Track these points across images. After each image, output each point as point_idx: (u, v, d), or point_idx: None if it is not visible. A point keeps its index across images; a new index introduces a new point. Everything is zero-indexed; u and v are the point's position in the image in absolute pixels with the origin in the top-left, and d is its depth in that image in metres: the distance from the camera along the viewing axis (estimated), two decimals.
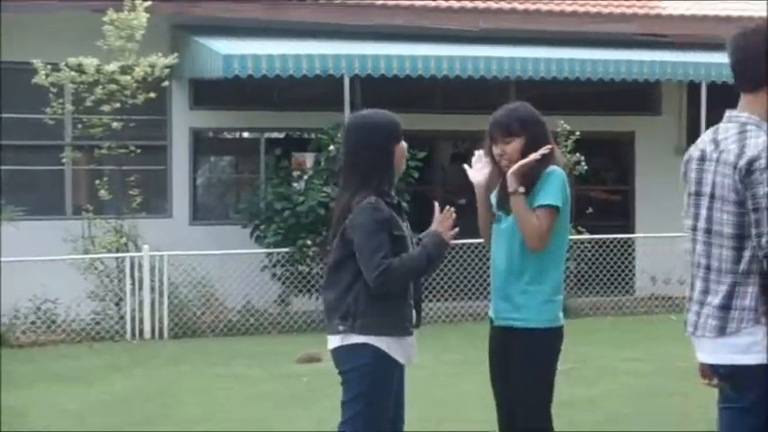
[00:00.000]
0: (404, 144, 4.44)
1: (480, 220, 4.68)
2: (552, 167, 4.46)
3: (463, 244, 12.92)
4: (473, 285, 12.81)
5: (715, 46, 15.10)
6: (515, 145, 4.48)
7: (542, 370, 4.48)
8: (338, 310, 4.29)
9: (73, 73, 12.17)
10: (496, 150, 4.53)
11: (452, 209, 4.39)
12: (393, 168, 4.39)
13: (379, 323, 4.24)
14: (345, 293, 4.28)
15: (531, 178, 4.44)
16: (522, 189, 4.40)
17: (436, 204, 4.51)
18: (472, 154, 4.72)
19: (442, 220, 4.38)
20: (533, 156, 4.43)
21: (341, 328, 4.28)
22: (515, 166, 4.42)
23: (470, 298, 12.79)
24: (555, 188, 4.41)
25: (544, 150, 4.45)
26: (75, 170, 13.42)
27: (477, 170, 4.62)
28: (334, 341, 4.33)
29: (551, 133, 4.63)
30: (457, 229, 4.38)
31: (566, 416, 6.85)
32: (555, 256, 4.50)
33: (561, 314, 4.54)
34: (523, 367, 4.47)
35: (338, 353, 4.33)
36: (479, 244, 12.40)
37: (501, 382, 4.59)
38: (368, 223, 4.21)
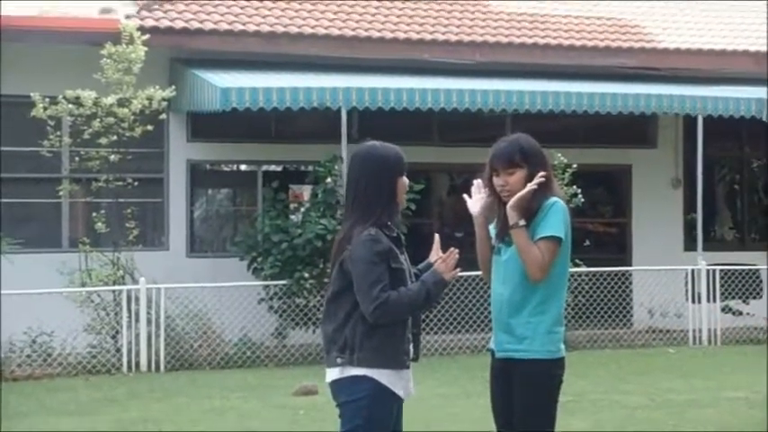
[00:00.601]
0: (405, 179, 4.45)
1: (479, 251, 4.67)
2: (553, 199, 4.47)
3: (460, 277, 12.92)
4: (470, 318, 12.79)
5: (711, 80, 15.22)
6: (518, 176, 4.47)
7: (544, 401, 4.46)
8: (336, 343, 4.28)
9: (71, 106, 12.20)
10: (498, 182, 4.51)
11: (456, 250, 4.38)
12: (395, 201, 4.39)
13: (377, 356, 4.23)
14: (343, 325, 4.27)
15: (531, 210, 4.44)
16: (522, 222, 4.40)
17: (437, 237, 4.51)
18: (471, 185, 4.72)
19: (445, 259, 4.36)
20: (530, 186, 4.44)
21: (339, 360, 4.27)
22: (514, 199, 4.43)
23: (468, 331, 12.77)
24: (557, 219, 4.42)
25: (539, 179, 4.45)
26: (72, 203, 13.43)
27: (476, 201, 4.62)
28: (332, 374, 4.32)
29: (551, 165, 4.64)
30: (459, 270, 4.37)
31: None
32: (556, 288, 4.49)
33: (563, 345, 4.52)
34: (525, 398, 4.45)
35: (337, 385, 4.32)
36: (477, 277, 12.40)
37: (502, 414, 4.58)
38: (367, 255, 4.21)
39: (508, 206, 4.44)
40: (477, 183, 4.62)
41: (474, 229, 4.61)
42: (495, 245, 4.60)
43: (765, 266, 14.95)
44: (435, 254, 4.49)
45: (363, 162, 4.41)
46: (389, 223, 4.33)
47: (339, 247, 4.33)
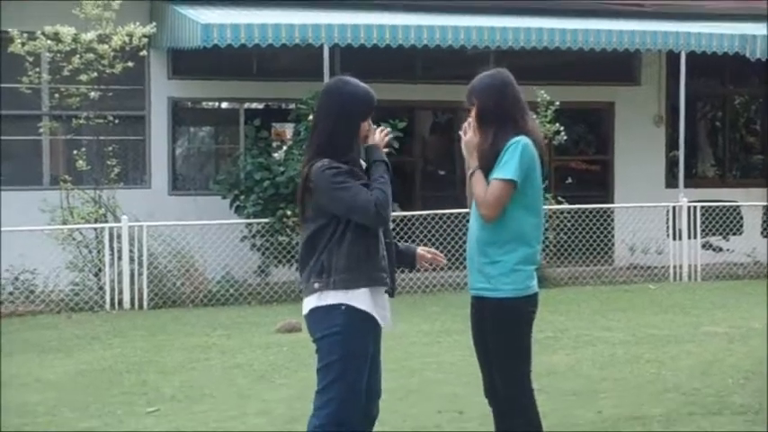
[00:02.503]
0: (369, 123, 4.43)
1: (468, 187, 4.67)
2: (516, 138, 4.44)
3: (441, 214, 12.95)
4: (451, 255, 12.80)
5: (694, 16, 15.15)
6: (473, 113, 4.54)
7: (515, 337, 4.51)
8: (314, 270, 4.30)
9: (49, 42, 12.06)
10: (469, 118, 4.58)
11: (386, 129, 4.52)
12: (355, 143, 4.37)
13: (352, 276, 4.25)
14: (321, 253, 4.29)
15: (494, 149, 4.44)
16: (471, 170, 4.47)
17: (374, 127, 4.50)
18: (452, 124, 4.73)
19: (377, 133, 4.45)
20: (468, 127, 4.50)
21: (317, 285, 4.28)
22: (462, 146, 4.52)
23: (449, 268, 12.76)
24: (510, 160, 4.40)
25: (467, 122, 4.51)
26: (52, 140, 13.34)
27: (470, 137, 4.61)
28: (309, 302, 4.33)
29: (518, 102, 4.55)
30: (388, 132, 4.51)
31: (546, 383, 6.92)
32: (523, 226, 4.48)
33: (533, 282, 4.52)
34: (496, 336, 4.51)
35: (313, 316, 4.32)
36: (456, 214, 12.44)
37: (480, 351, 4.63)
38: (334, 181, 4.22)
39: (464, 151, 4.52)
40: (469, 120, 4.61)
41: (462, 167, 4.62)
42: None
43: (745, 203, 15.04)
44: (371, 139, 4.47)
45: (329, 97, 4.40)
46: (346, 162, 4.30)
47: (304, 186, 4.33)
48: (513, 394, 4.51)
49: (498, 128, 4.46)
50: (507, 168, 4.40)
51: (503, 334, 4.48)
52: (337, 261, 4.25)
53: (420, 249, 4.72)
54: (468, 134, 4.54)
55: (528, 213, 4.50)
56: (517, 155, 4.40)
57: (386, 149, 4.45)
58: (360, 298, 4.26)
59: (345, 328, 4.24)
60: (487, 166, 4.46)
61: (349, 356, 4.24)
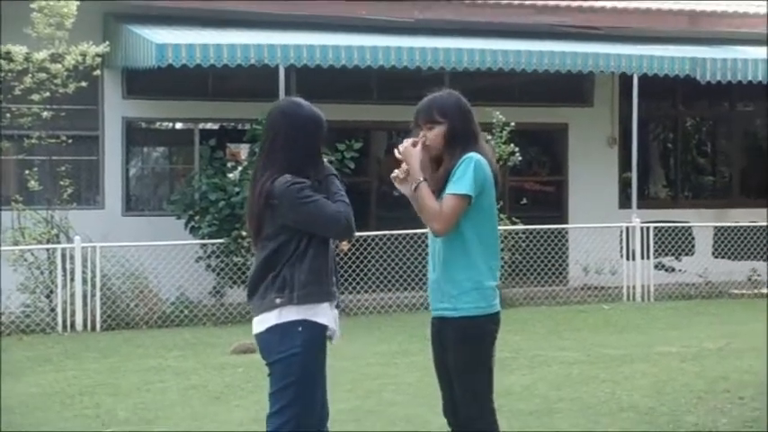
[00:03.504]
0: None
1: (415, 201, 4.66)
2: (468, 155, 4.45)
3: (397, 235, 12.96)
4: (408, 276, 12.84)
5: (646, 38, 15.35)
6: (437, 131, 4.51)
7: (478, 357, 4.48)
8: (274, 285, 4.24)
9: (1, 61, 11.94)
10: (420, 136, 4.55)
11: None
12: (318, 162, 4.37)
13: (313, 291, 4.23)
14: (281, 270, 4.25)
15: (446, 168, 4.45)
16: (415, 184, 4.44)
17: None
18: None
19: None
20: (403, 146, 4.49)
21: (278, 300, 4.23)
22: (401, 170, 4.49)
23: (405, 289, 12.82)
24: (462, 175, 4.40)
25: (420, 139, 4.49)
26: (4, 160, 13.18)
27: (411, 148, 4.60)
28: (268, 318, 4.25)
29: (476, 123, 4.60)
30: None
31: (503, 403, 6.91)
32: (480, 243, 4.47)
33: (495, 300, 4.52)
34: (460, 356, 4.48)
35: (269, 336, 4.25)
36: (412, 235, 12.44)
37: (442, 370, 4.60)
38: (299, 196, 4.21)
39: (407, 160, 4.49)
40: (407, 141, 4.58)
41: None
42: None
43: (697, 224, 15.22)
44: None
45: (287, 118, 4.37)
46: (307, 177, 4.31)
47: (265, 202, 4.27)
48: (476, 414, 4.48)
49: (463, 149, 4.47)
50: (462, 183, 4.40)
51: (466, 353, 4.46)
52: (299, 276, 4.22)
53: None
54: (407, 143, 4.52)
55: (486, 229, 4.51)
56: (471, 170, 4.40)
57: None
58: (321, 313, 4.24)
59: (304, 349, 4.20)
60: (440, 185, 4.46)
61: (305, 378, 4.20)
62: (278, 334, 4.22)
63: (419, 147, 4.52)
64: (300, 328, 4.21)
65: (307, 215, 4.21)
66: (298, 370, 4.19)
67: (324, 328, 4.25)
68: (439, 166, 4.54)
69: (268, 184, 4.27)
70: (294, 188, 4.21)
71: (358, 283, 12.63)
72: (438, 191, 4.46)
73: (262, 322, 4.27)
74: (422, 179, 4.46)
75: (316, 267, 4.24)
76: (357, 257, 12.58)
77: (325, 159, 4.47)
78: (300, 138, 4.32)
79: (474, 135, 4.54)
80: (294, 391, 4.19)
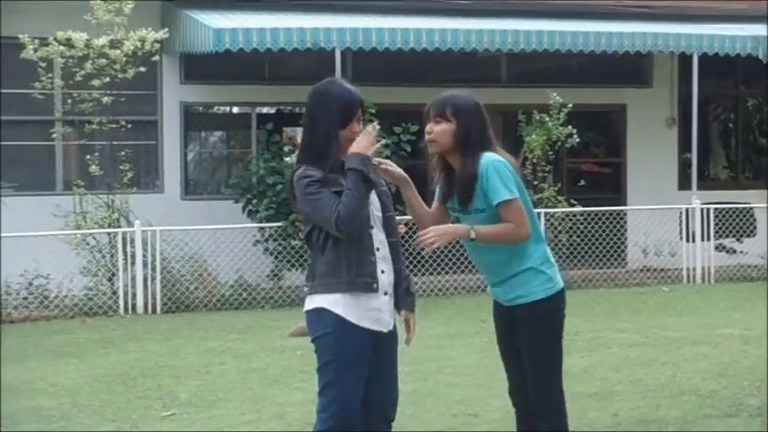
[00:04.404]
0: (357, 126, 4.29)
1: (417, 216, 4.61)
2: (483, 161, 4.37)
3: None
4: (463, 258, 12.81)
5: (705, 17, 15.12)
6: (444, 128, 4.44)
7: (549, 337, 4.55)
8: (307, 274, 4.37)
9: (62, 47, 12.10)
10: (427, 128, 4.50)
11: (374, 127, 4.28)
12: (333, 148, 4.22)
13: (330, 282, 4.23)
14: (311, 258, 4.35)
15: (470, 173, 4.39)
16: (473, 234, 4.37)
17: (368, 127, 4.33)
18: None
19: (362, 138, 4.25)
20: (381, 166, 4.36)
21: (306, 289, 4.33)
22: (438, 233, 4.35)
23: (463, 271, 12.80)
24: (497, 183, 4.35)
25: (384, 164, 4.38)
26: (65, 145, 13.38)
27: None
28: (304, 305, 4.36)
29: (491, 129, 4.51)
30: (381, 142, 4.32)
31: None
32: (532, 228, 4.48)
33: (558, 278, 4.57)
34: (531, 338, 4.53)
35: (307, 319, 4.33)
36: None
37: (509, 354, 4.65)
38: (306, 192, 4.19)
39: (442, 233, 4.37)
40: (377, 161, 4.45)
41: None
42: (451, 214, 4.61)
43: (759, 205, 14.99)
44: (355, 144, 4.24)
45: (311, 101, 4.32)
46: (331, 168, 4.20)
47: (291, 191, 4.32)
48: (548, 395, 4.54)
49: (477, 153, 4.40)
50: (507, 189, 4.36)
51: (539, 336, 4.52)
52: (319, 267, 4.27)
53: (406, 314, 4.51)
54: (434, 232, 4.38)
55: (530, 216, 4.50)
56: (497, 176, 4.36)
57: (372, 147, 4.24)
58: (338, 303, 4.23)
59: (335, 329, 4.23)
60: (467, 191, 4.42)
61: (344, 356, 4.23)
62: (311, 317, 4.30)
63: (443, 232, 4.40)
64: (330, 311, 4.23)
65: (310, 211, 4.23)
66: (333, 349, 4.23)
67: (343, 320, 4.21)
68: (443, 162, 4.51)
69: (291, 172, 4.32)
70: (301, 183, 4.21)
71: (415, 266, 12.63)
72: (465, 197, 4.42)
73: (304, 306, 4.37)
74: (471, 230, 4.38)
75: (334, 258, 4.23)
76: (413, 240, 12.58)
77: (366, 151, 4.20)
78: (317, 121, 4.25)
79: (488, 141, 4.47)
80: (334, 368, 4.23)
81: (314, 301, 4.28)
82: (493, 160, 4.39)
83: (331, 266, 4.23)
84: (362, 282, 4.24)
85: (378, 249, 4.30)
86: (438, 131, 4.46)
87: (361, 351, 4.25)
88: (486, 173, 4.37)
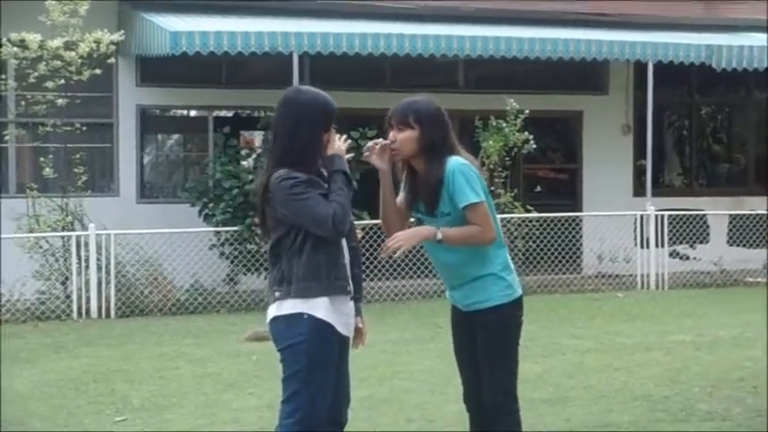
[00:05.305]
0: (334, 133, 4.33)
1: (385, 208, 4.62)
2: (449, 165, 4.39)
3: (411, 223, 12.94)
4: (419, 263, 12.83)
5: (661, 25, 15.28)
6: (407, 135, 4.45)
7: (506, 343, 4.57)
8: (276, 279, 4.29)
9: (15, 48, 11.98)
10: (390, 136, 4.50)
11: (344, 136, 4.36)
12: (317, 152, 4.27)
13: (311, 285, 4.21)
14: (281, 263, 4.28)
15: (433, 182, 4.41)
16: (439, 235, 4.39)
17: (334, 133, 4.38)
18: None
19: (337, 141, 4.32)
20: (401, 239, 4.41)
21: (277, 293, 4.26)
22: (403, 238, 4.40)
23: (418, 276, 12.81)
24: (463, 184, 4.37)
25: (384, 142, 4.43)
26: (18, 148, 13.23)
27: (381, 156, 4.53)
28: (271, 311, 4.30)
29: (453, 134, 4.53)
30: (349, 142, 4.37)
31: None
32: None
33: (517, 285, 4.60)
34: (488, 343, 4.54)
35: (274, 326, 4.28)
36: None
37: (465, 359, 4.66)
38: (291, 192, 4.16)
39: (410, 237, 4.42)
40: (373, 143, 4.54)
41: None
42: (413, 215, 4.63)
43: (712, 212, 15.16)
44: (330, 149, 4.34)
45: (286, 108, 4.31)
46: (310, 172, 4.22)
47: (263, 197, 4.28)
48: (503, 401, 4.56)
49: (442, 158, 4.42)
50: (473, 192, 4.39)
51: (497, 340, 4.53)
52: (297, 270, 4.22)
53: (358, 320, 4.52)
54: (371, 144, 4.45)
55: (493, 220, 4.53)
56: (463, 179, 4.39)
57: (344, 146, 4.35)
58: (319, 307, 4.22)
59: (309, 337, 4.20)
60: (433, 196, 4.43)
61: (313, 365, 4.21)
62: (283, 323, 4.25)
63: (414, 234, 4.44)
64: (304, 317, 4.21)
65: (295, 212, 4.19)
66: (305, 357, 4.20)
67: (322, 321, 4.22)
68: (409, 167, 4.52)
69: (266, 176, 4.27)
70: (285, 183, 4.17)
71: (371, 271, 12.63)
72: (432, 201, 4.44)
73: (269, 313, 4.33)
74: (437, 232, 4.40)
75: (314, 262, 4.21)
76: (372, 244, 12.57)
77: (344, 155, 4.32)
78: (300, 127, 4.25)
79: (452, 145, 4.48)
80: (303, 378, 4.20)
81: (286, 306, 4.23)
82: (459, 164, 4.41)
83: (311, 270, 4.21)
84: (340, 285, 4.28)
85: (344, 254, 4.33)
86: (401, 139, 4.46)
87: (331, 356, 4.26)
88: (452, 176, 4.39)
